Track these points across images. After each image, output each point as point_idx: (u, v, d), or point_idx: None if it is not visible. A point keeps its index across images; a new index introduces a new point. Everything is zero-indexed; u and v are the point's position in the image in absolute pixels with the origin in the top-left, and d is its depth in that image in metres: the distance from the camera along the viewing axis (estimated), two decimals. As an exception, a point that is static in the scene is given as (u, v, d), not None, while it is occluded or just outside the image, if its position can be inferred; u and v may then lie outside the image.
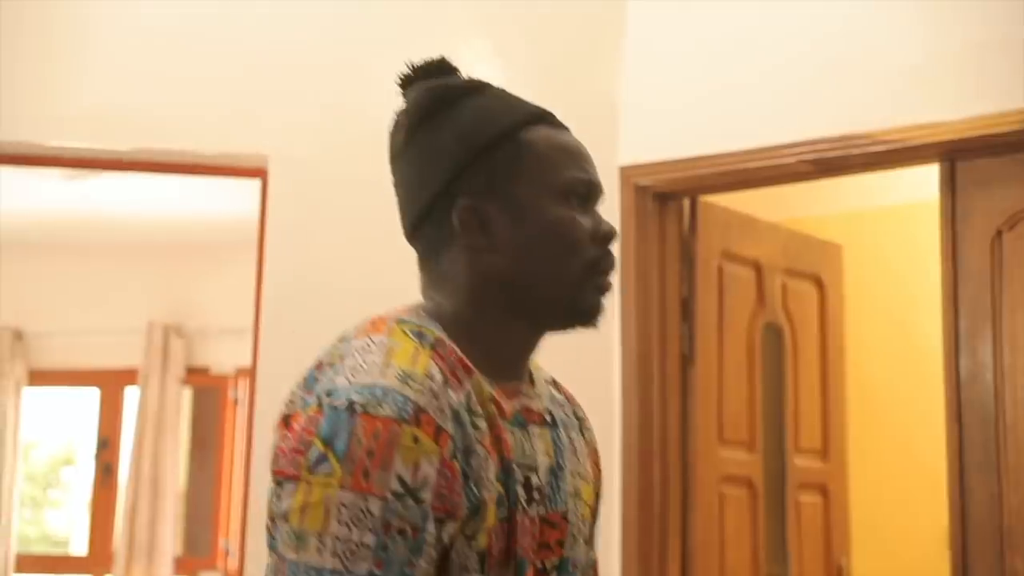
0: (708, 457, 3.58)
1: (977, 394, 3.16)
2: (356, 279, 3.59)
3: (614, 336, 3.45)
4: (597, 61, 3.63)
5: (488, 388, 1.32)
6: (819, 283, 4.07)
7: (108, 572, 6.35)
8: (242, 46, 3.56)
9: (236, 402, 6.30)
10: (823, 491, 4.08)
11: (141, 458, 6.25)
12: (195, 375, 6.44)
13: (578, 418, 1.51)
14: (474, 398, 1.29)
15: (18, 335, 6.41)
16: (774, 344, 3.90)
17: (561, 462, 1.41)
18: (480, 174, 1.35)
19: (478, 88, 1.40)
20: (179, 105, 3.50)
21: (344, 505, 1.17)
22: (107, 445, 6.50)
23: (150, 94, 3.50)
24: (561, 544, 1.37)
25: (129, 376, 6.40)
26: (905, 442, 4.73)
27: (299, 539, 1.19)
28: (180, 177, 4.01)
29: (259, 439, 3.67)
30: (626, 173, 3.49)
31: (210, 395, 6.48)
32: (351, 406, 1.21)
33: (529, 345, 1.41)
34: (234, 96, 3.53)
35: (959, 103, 3.07)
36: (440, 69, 1.43)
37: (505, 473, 1.29)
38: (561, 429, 1.44)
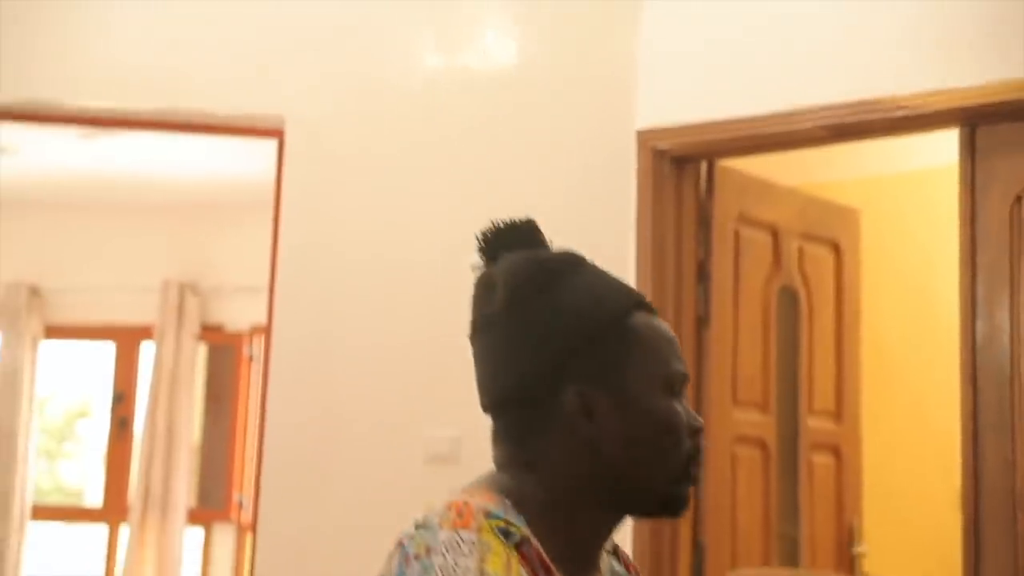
0: (722, 418, 3.60)
1: (993, 357, 3.17)
2: (370, 240, 3.60)
3: (630, 299, 3.46)
4: (615, 25, 3.61)
5: None
6: (836, 248, 4.07)
7: (123, 522, 6.43)
8: (261, 7, 3.56)
9: (251, 359, 6.35)
10: (836, 452, 4.10)
11: (156, 412, 6.30)
12: (210, 332, 6.47)
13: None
14: None
15: (35, 291, 6.44)
16: (789, 308, 3.91)
17: None
18: (591, 361, 1.33)
19: (578, 264, 1.38)
20: (197, 65, 3.51)
21: None
22: (122, 399, 6.55)
23: (168, 54, 3.50)
24: None
25: (145, 332, 6.43)
26: (919, 405, 4.74)
27: None
28: (197, 137, 4.02)
29: (273, 395, 3.71)
30: (643, 137, 3.48)
31: (225, 352, 6.52)
32: None
33: (610, 533, 1.41)
34: (252, 57, 3.53)
35: (980, 68, 3.06)
36: (529, 233, 1.41)
37: None
38: None
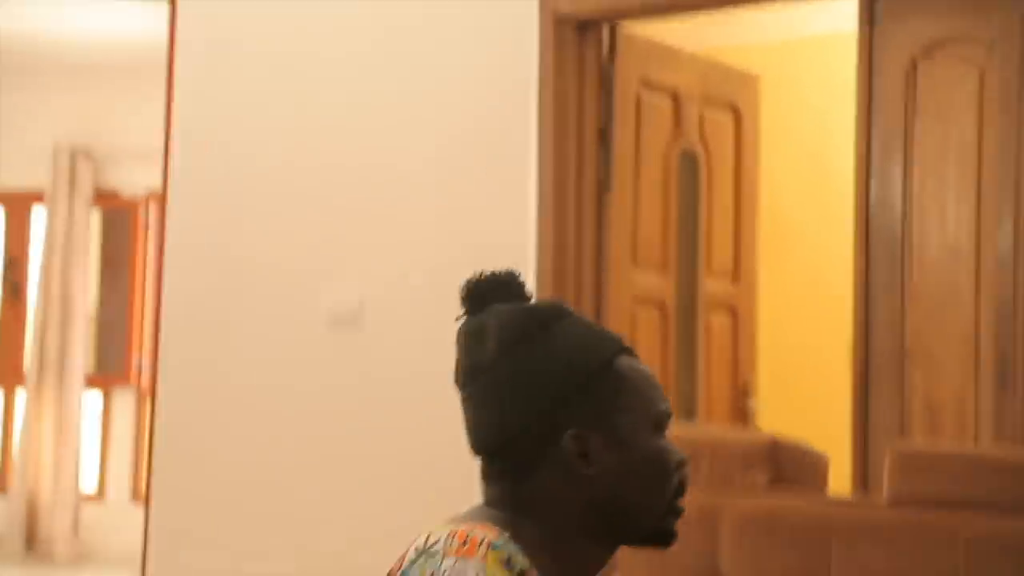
0: (621, 280, 3.66)
1: (886, 219, 3.25)
2: (266, 103, 3.54)
3: (531, 163, 3.47)
4: None
5: None
6: (736, 112, 4.10)
7: (19, 386, 6.40)
8: None
9: (147, 225, 6.26)
10: (732, 312, 4.20)
11: (50, 278, 6.21)
12: (104, 198, 6.35)
13: None
14: None
15: (-82, 156, 6.25)
16: (689, 172, 3.95)
17: None
18: (584, 405, 1.39)
19: (564, 314, 1.44)
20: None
21: None
22: (14, 265, 6.44)
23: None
24: None
25: (36, 197, 6.29)
26: (813, 266, 4.86)
27: None
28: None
29: (170, 261, 3.68)
30: (545, 1, 3.45)
31: (120, 217, 6.41)
32: None
33: (604, 564, 1.46)
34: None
35: (880, -67, 3.07)
36: (512, 284, 1.46)
37: None
38: None
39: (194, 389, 3.65)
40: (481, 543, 1.33)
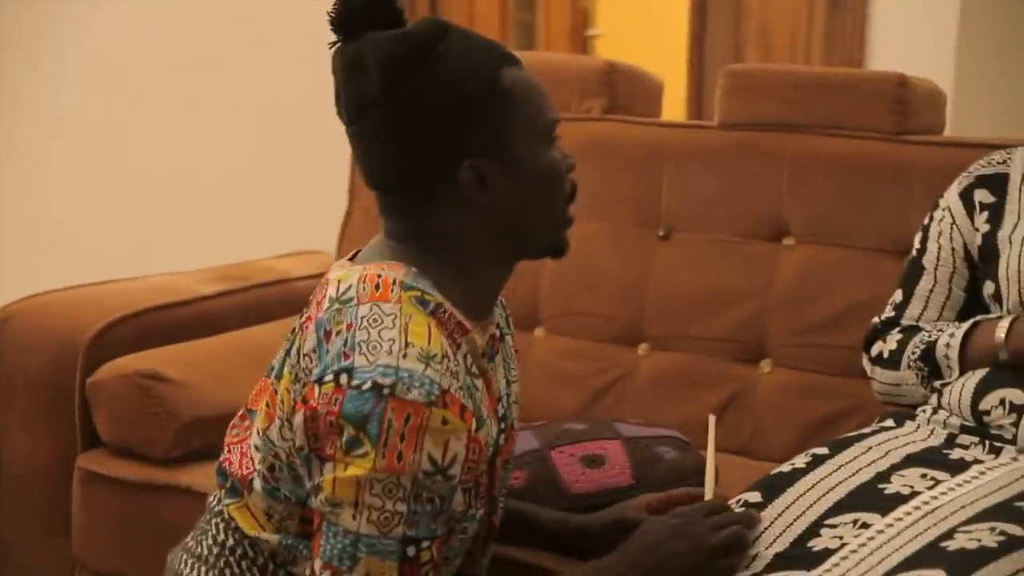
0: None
1: None
2: None
3: None
4: None
5: (480, 340, 1.40)
6: None
7: None
8: None
9: None
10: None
11: None
12: None
13: (508, 315, 1.60)
14: (469, 358, 1.37)
15: None
16: None
17: (509, 378, 1.50)
18: (478, 131, 1.37)
19: (445, 32, 1.38)
20: None
21: (377, 481, 1.27)
22: None
23: None
24: (509, 451, 1.52)
25: None
26: None
27: (334, 505, 1.30)
28: None
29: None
30: None
31: None
32: (379, 389, 1.27)
33: (505, 282, 1.49)
34: None
35: None
36: (385, 4, 1.39)
37: (498, 427, 1.42)
38: (507, 339, 1.53)
39: None
40: (394, 284, 1.34)
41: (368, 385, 1.28)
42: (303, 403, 1.34)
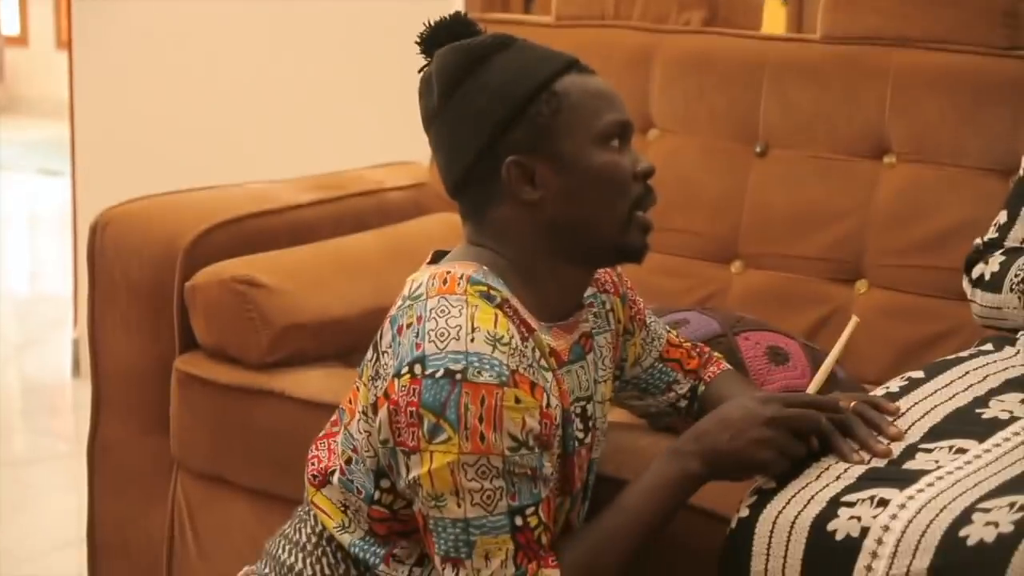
0: None
1: None
2: None
3: None
4: None
5: (546, 341, 1.43)
6: None
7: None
8: None
9: None
10: None
11: None
12: None
13: (609, 309, 1.61)
14: (537, 353, 1.39)
15: None
16: None
17: (597, 377, 1.54)
18: (522, 130, 1.40)
19: (505, 43, 1.44)
20: None
21: (468, 465, 1.32)
22: None
23: None
24: (591, 450, 1.55)
25: None
26: None
27: (437, 499, 1.34)
28: None
29: None
30: None
31: None
32: (451, 375, 1.31)
33: (583, 285, 1.51)
34: None
35: None
36: (460, 25, 1.46)
37: (564, 421, 1.44)
38: (599, 339, 1.56)
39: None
40: (461, 279, 1.39)
41: (441, 372, 1.32)
42: (385, 398, 1.37)
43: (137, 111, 4.01)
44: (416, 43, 1.48)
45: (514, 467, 1.33)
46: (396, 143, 3.00)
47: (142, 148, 3.97)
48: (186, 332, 2.30)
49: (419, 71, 1.48)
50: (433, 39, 1.47)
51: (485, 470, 1.32)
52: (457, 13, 1.48)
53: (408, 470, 1.36)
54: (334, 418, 1.59)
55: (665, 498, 1.43)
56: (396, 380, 1.35)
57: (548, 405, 1.37)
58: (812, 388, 1.61)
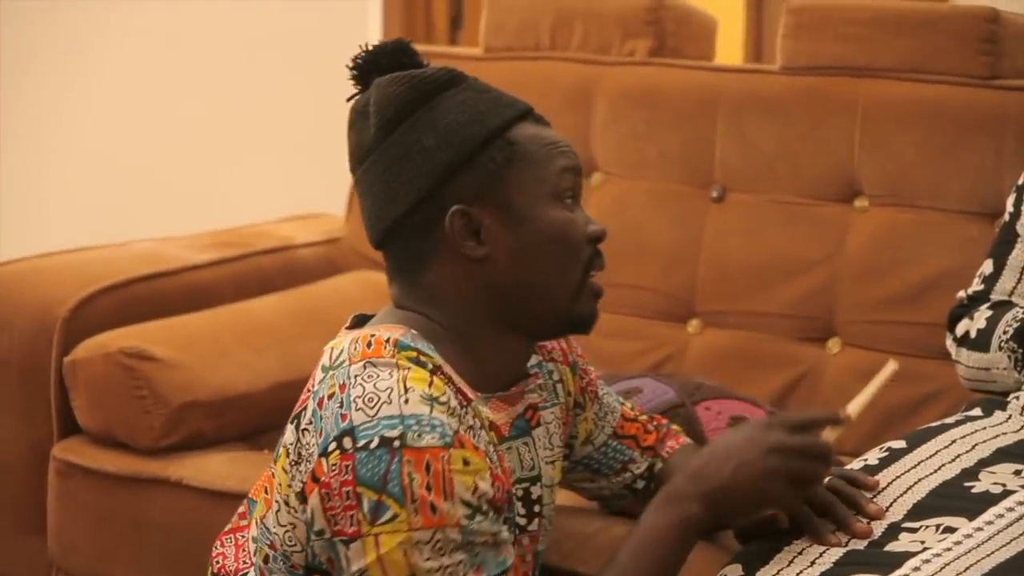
0: None
1: None
2: None
3: None
4: None
5: (485, 413, 1.41)
6: None
7: None
8: None
9: None
10: None
11: None
12: None
13: (557, 380, 1.60)
14: (477, 423, 1.37)
15: None
16: None
17: (545, 457, 1.53)
18: (471, 179, 1.38)
19: (455, 80, 1.42)
20: None
21: (423, 543, 1.27)
22: None
23: None
24: (537, 541, 1.53)
25: None
26: None
27: None
28: None
29: None
30: None
31: None
32: (388, 443, 1.27)
33: (525, 355, 1.50)
34: None
35: None
36: (403, 54, 1.45)
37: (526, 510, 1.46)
38: (546, 414, 1.55)
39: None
40: (387, 343, 1.35)
41: (376, 442, 1.28)
42: (315, 482, 1.33)
43: (6, 162, 3.98)
44: (349, 68, 1.46)
45: (474, 536, 1.30)
46: (306, 192, 3.00)
47: (12, 206, 3.93)
48: (66, 415, 2.26)
49: (348, 99, 1.46)
50: (371, 66, 1.45)
51: (442, 545, 1.28)
52: (400, 40, 1.47)
53: (350, 562, 1.30)
54: (242, 509, 1.54)
55: (663, 554, 1.40)
56: (324, 459, 1.31)
57: (492, 466, 1.34)
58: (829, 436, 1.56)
